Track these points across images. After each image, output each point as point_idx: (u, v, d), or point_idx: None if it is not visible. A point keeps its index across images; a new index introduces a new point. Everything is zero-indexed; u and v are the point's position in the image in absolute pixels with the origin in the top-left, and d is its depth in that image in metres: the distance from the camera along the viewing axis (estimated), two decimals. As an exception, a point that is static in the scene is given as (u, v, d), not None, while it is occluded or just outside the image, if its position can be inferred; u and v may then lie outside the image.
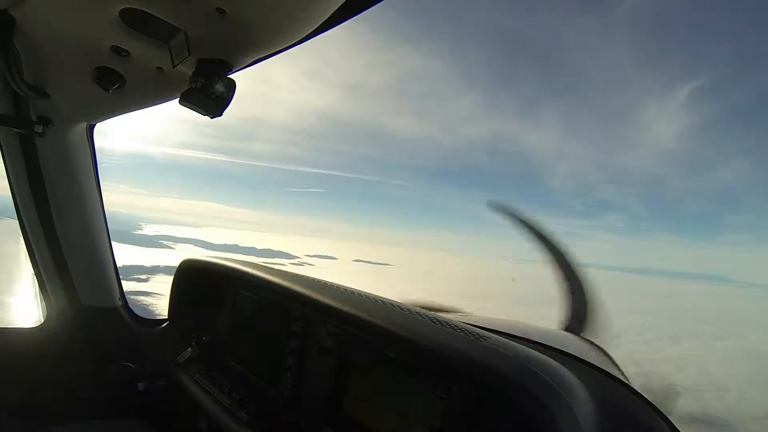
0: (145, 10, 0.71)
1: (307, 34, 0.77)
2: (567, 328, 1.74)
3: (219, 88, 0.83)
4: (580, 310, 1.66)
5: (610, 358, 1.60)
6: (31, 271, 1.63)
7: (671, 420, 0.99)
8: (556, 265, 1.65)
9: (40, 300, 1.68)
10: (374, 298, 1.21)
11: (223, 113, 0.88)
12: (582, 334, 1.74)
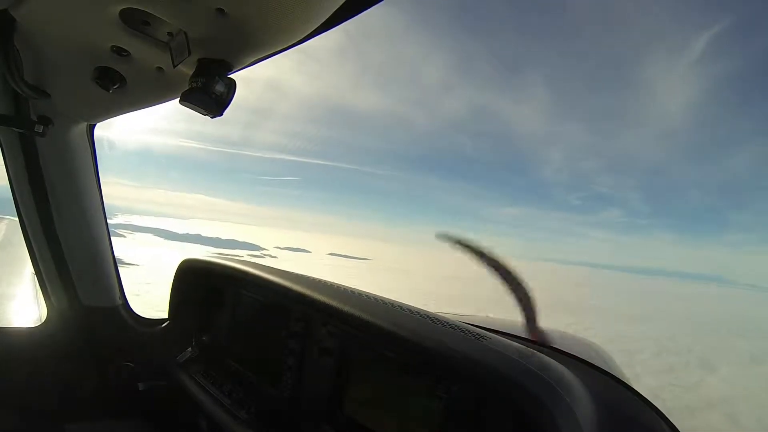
0: (145, 10, 0.72)
1: (307, 34, 0.77)
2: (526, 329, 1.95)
3: (219, 88, 0.83)
4: (530, 312, 1.92)
5: (610, 358, 1.61)
6: (32, 270, 1.63)
7: (671, 420, 0.99)
8: (503, 279, 1.92)
9: (41, 300, 1.68)
10: (374, 298, 1.21)
11: (224, 113, 0.88)
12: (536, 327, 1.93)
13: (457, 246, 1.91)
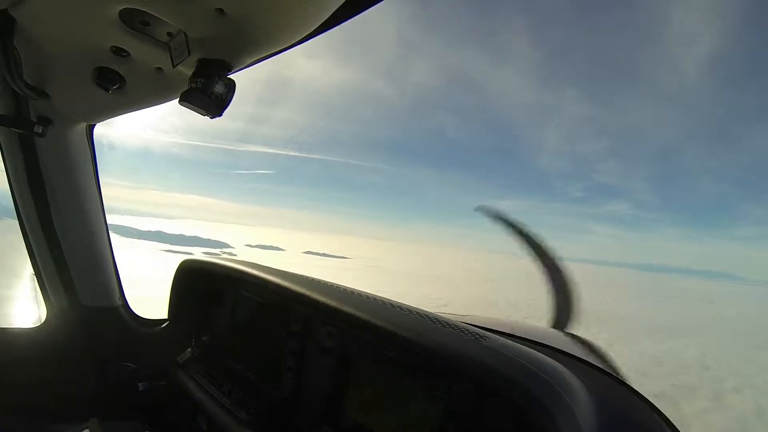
0: (145, 10, 0.72)
1: (307, 34, 0.77)
2: (555, 324, 1.83)
3: (219, 88, 0.83)
4: (565, 306, 1.79)
5: (611, 358, 1.61)
6: (31, 271, 1.63)
7: (671, 420, 1.00)
8: (540, 263, 1.79)
9: (41, 300, 1.68)
10: (374, 298, 1.21)
11: (223, 113, 0.88)
12: (568, 328, 1.82)
13: (499, 221, 1.80)
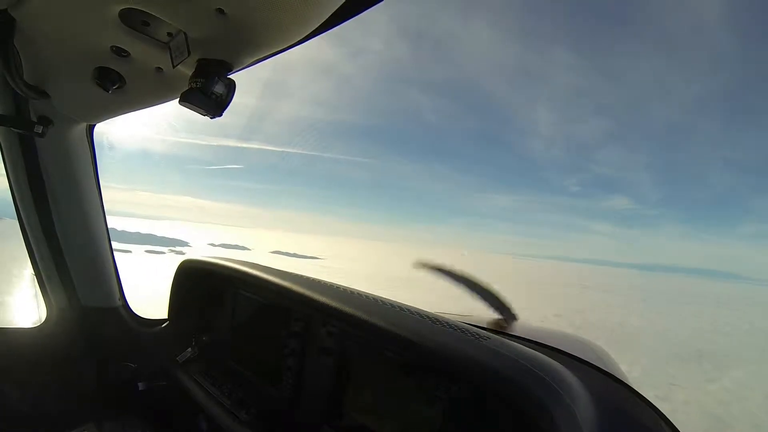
0: (145, 10, 0.72)
1: (307, 34, 0.77)
2: (507, 316, 1.95)
3: (219, 88, 0.83)
4: (497, 303, 1.95)
5: (610, 358, 1.61)
6: (31, 271, 1.63)
7: (672, 420, 1.00)
8: (472, 289, 1.98)
9: (41, 300, 1.68)
10: (374, 299, 1.21)
11: (223, 113, 0.88)
12: (513, 314, 1.94)
13: (434, 271, 2.02)
